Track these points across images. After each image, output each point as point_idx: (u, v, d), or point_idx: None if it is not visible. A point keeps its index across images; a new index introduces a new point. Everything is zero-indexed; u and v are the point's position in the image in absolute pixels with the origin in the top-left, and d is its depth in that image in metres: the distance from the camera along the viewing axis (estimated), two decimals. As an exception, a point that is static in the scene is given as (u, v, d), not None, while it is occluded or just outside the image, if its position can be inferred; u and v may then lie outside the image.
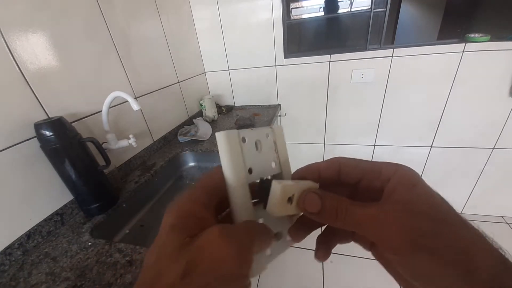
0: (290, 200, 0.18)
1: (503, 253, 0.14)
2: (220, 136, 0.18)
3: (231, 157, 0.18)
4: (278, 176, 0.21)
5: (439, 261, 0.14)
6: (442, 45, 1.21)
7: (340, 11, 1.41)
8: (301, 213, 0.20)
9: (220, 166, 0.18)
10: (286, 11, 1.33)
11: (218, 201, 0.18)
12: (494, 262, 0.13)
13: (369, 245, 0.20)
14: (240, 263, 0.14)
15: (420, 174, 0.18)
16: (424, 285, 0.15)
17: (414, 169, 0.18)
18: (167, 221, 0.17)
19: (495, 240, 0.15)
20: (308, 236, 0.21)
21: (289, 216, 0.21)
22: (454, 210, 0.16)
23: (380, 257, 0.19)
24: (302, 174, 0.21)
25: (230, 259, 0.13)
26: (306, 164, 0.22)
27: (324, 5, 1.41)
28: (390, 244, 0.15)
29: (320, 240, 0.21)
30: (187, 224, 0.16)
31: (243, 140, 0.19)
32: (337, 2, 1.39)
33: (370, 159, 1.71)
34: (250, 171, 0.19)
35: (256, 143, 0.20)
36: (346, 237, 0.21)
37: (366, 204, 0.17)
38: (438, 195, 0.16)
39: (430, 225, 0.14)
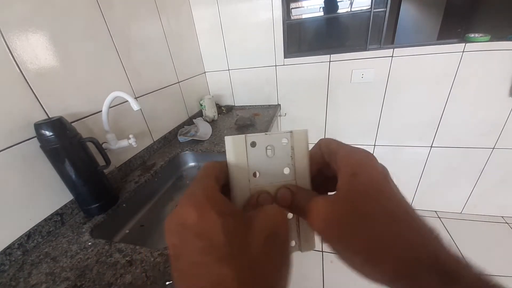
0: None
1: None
2: (226, 140, 0.19)
3: (232, 161, 0.19)
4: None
5: (359, 248, 0.15)
6: (442, 45, 1.21)
7: (340, 11, 1.41)
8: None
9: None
10: (286, 11, 1.33)
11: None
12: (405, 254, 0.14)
13: None
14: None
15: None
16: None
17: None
18: (204, 206, 0.16)
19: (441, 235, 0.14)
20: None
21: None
22: (390, 207, 0.15)
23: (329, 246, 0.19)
24: None
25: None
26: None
27: (323, 5, 1.41)
28: (326, 235, 0.16)
29: None
30: (225, 208, 0.16)
31: (253, 144, 0.20)
32: (337, 2, 1.39)
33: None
34: (254, 175, 0.20)
35: (267, 148, 0.20)
36: None
37: (315, 198, 0.18)
38: (378, 185, 0.16)
39: (354, 214, 0.15)
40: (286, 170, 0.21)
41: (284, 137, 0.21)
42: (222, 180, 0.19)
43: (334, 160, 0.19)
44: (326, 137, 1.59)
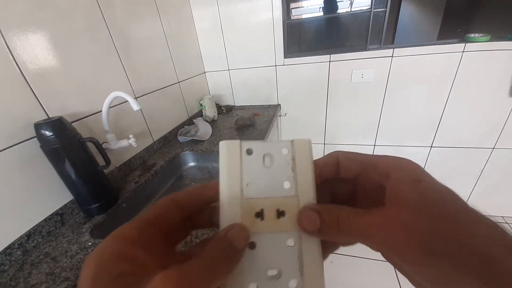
0: (260, 216, 0.17)
1: None
2: (221, 145, 0.18)
3: (224, 168, 0.17)
4: (291, 199, 0.18)
5: (454, 265, 0.12)
6: (442, 45, 1.21)
7: (340, 11, 1.41)
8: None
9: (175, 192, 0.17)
10: (286, 11, 1.33)
11: (170, 229, 0.16)
12: None
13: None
14: None
15: None
16: None
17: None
18: (85, 274, 0.12)
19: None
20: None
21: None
22: (464, 203, 0.14)
23: (389, 259, 0.17)
24: None
25: None
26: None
27: (323, 5, 1.41)
28: (400, 254, 0.14)
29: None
30: (112, 272, 0.12)
31: (249, 152, 0.18)
32: (336, 2, 1.39)
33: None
34: (249, 186, 0.17)
35: (265, 157, 0.18)
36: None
37: (369, 211, 0.15)
38: (445, 188, 0.14)
39: (440, 225, 0.13)
40: (287, 184, 0.18)
41: (284, 146, 0.19)
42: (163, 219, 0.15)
43: (373, 171, 0.17)
44: (326, 137, 1.59)
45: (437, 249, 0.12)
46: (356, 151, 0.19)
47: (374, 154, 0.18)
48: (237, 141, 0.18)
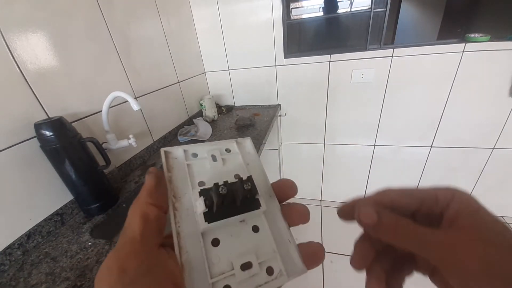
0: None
1: None
2: (161, 153, 0.18)
3: (168, 172, 0.18)
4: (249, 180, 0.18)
5: None
6: (442, 45, 1.21)
7: (340, 11, 1.41)
8: None
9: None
10: (286, 11, 1.33)
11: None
12: None
13: (430, 271, 0.19)
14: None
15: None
16: None
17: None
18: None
19: None
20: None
21: None
22: None
23: (441, 284, 0.18)
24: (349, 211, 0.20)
25: None
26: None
27: (323, 5, 1.41)
28: (462, 273, 0.14)
29: (376, 269, 0.20)
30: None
31: (194, 155, 0.19)
32: (337, 2, 1.39)
33: (370, 159, 1.70)
34: (201, 184, 0.18)
35: (213, 156, 0.19)
36: (409, 268, 0.20)
37: (433, 229, 0.16)
38: (500, 219, 0.16)
39: (503, 252, 0.14)
40: (241, 173, 0.19)
41: (229, 145, 0.20)
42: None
43: (434, 204, 0.18)
44: (326, 137, 1.59)
45: (501, 273, 0.13)
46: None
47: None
48: (179, 147, 0.19)
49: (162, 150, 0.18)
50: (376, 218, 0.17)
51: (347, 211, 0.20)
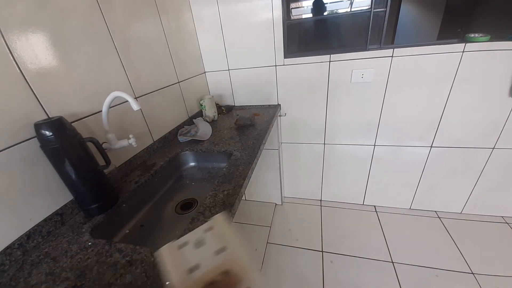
0: (213, 283, 0.20)
1: None
2: (160, 253, 0.22)
3: (169, 267, 0.21)
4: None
5: None
6: (442, 45, 1.21)
7: (340, 11, 1.41)
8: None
9: None
10: (286, 11, 1.34)
11: None
12: None
13: None
14: None
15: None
16: None
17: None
18: None
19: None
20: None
21: None
22: None
23: None
24: None
25: None
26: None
27: (312, 7, 1.41)
28: None
29: None
30: None
31: (185, 244, 0.23)
32: (324, 4, 1.39)
33: (370, 159, 1.70)
34: (193, 269, 0.22)
35: (196, 243, 0.24)
36: None
37: None
38: None
39: None
40: (215, 253, 0.23)
41: (208, 226, 0.24)
42: None
43: None
44: (326, 137, 1.60)
45: None
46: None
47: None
48: (173, 243, 0.24)
49: (160, 250, 0.24)
50: None
51: None
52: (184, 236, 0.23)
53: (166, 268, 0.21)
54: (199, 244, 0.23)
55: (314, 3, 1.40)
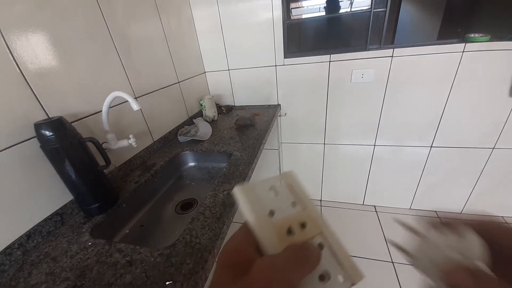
0: (290, 232, 0.20)
1: None
2: (235, 191, 0.21)
3: (247, 208, 0.20)
4: (304, 213, 0.22)
5: None
6: (442, 45, 1.21)
7: (340, 11, 1.41)
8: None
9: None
10: (286, 11, 1.33)
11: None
12: None
13: None
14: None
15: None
16: None
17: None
18: (219, 261, 0.19)
19: None
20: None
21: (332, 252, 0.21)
22: None
23: None
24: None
25: (277, 284, 0.15)
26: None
27: (325, 5, 1.41)
28: None
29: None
30: (236, 260, 0.18)
31: (261, 187, 0.22)
32: (339, 2, 1.39)
33: (370, 159, 1.69)
34: (272, 213, 0.21)
35: (271, 189, 0.23)
36: None
37: None
38: None
39: None
40: (293, 204, 0.23)
41: (278, 179, 0.24)
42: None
43: None
44: (326, 137, 1.59)
45: None
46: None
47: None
48: (250, 184, 0.22)
49: (237, 188, 0.22)
50: (471, 285, 0.16)
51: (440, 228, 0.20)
52: (260, 181, 0.22)
53: (245, 207, 0.20)
54: (273, 191, 0.23)
55: (328, 1, 1.40)
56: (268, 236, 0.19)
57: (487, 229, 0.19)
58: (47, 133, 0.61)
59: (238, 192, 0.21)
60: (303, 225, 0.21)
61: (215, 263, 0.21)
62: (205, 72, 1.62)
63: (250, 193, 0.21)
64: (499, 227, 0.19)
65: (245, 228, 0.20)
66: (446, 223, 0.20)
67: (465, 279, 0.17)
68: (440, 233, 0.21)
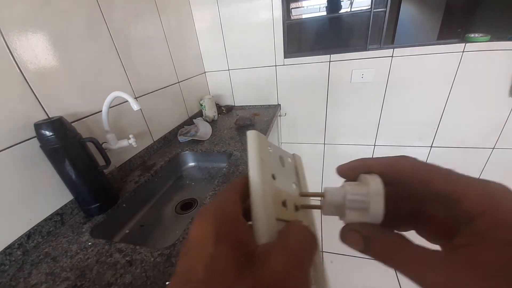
0: (284, 205, 0.18)
1: None
2: (250, 134, 0.19)
3: (255, 155, 0.18)
4: (300, 199, 0.20)
5: None
6: (442, 45, 1.21)
7: (340, 11, 1.41)
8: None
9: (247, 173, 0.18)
10: (286, 11, 1.33)
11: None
12: None
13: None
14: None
15: None
16: None
17: None
18: (207, 227, 0.14)
19: None
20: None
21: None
22: None
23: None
24: (352, 167, 0.18)
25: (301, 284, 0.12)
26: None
27: (326, 5, 1.41)
28: None
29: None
30: (234, 234, 0.14)
31: (273, 148, 0.20)
32: (340, 1, 1.39)
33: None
34: (273, 177, 0.18)
35: (280, 159, 0.21)
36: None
37: (430, 251, 0.13)
38: None
39: None
40: (293, 186, 0.21)
41: (289, 156, 0.22)
42: (246, 196, 0.17)
43: (452, 205, 0.14)
44: (326, 137, 1.59)
45: None
46: (359, 157, 0.18)
47: (451, 172, 0.14)
48: (263, 135, 0.20)
49: (255, 132, 0.19)
50: (362, 245, 0.15)
51: (348, 174, 0.18)
52: (273, 144, 0.20)
53: (253, 155, 0.18)
54: (281, 162, 0.21)
55: (328, 1, 1.40)
56: (265, 198, 0.16)
57: (397, 170, 0.16)
58: (47, 133, 0.61)
59: (253, 137, 0.19)
60: (296, 208, 0.19)
61: (198, 223, 0.15)
62: (205, 72, 1.62)
63: (263, 145, 0.19)
64: (411, 166, 0.15)
65: (236, 185, 0.17)
66: (363, 171, 0.18)
67: (355, 241, 0.16)
68: (354, 181, 0.18)
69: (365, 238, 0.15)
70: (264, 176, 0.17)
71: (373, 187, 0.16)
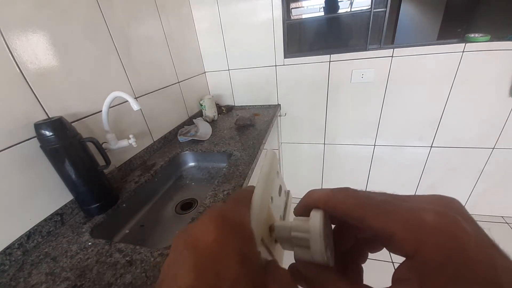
0: (271, 230, 0.18)
1: None
2: (271, 154, 0.20)
3: (266, 175, 0.19)
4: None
5: None
6: (442, 45, 1.21)
7: (340, 11, 1.41)
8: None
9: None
10: (286, 11, 1.33)
11: None
12: None
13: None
14: None
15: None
16: None
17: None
18: (232, 243, 0.13)
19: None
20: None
21: None
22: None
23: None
24: (303, 206, 0.18)
25: None
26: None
27: (324, 5, 1.41)
28: None
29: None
30: (256, 259, 0.14)
31: (278, 174, 0.21)
32: (337, 2, 1.39)
33: (370, 159, 1.69)
34: (272, 200, 0.19)
35: (279, 187, 0.21)
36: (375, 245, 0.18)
37: None
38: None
39: None
40: (279, 217, 0.21)
41: (285, 189, 0.23)
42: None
43: (385, 242, 0.14)
44: (326, 137, 1.59)
45: None
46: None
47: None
48: (276, 158, 0.21)
49: (274, 152, 0.21)
50: (305, 286, 0.16)
51: (301, 213, 0.18)
52: (280, 172, 0.21)
53: (264, 180, 0.19)
54: (280, 190, 0.22)
55: (326, 1, 1.40)
56: (260, 217, 0.17)
57: (332, 206, 0.16)
58: (47, 133, 0.61)
59: (271, 156, 0.20)
60: (275, 240, 0.19)
61: (217, 233, 0.14)
62: (205, 72, 1.62)
63: (274, 167, 0.20)
64: (343, 201, 0.15)
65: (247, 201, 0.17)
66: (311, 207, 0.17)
67: (298, 281, 0.16)
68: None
69: (306, 279, 0.16)
70: (266, 196, 0.18)
71: (312, 224, 0.16)
